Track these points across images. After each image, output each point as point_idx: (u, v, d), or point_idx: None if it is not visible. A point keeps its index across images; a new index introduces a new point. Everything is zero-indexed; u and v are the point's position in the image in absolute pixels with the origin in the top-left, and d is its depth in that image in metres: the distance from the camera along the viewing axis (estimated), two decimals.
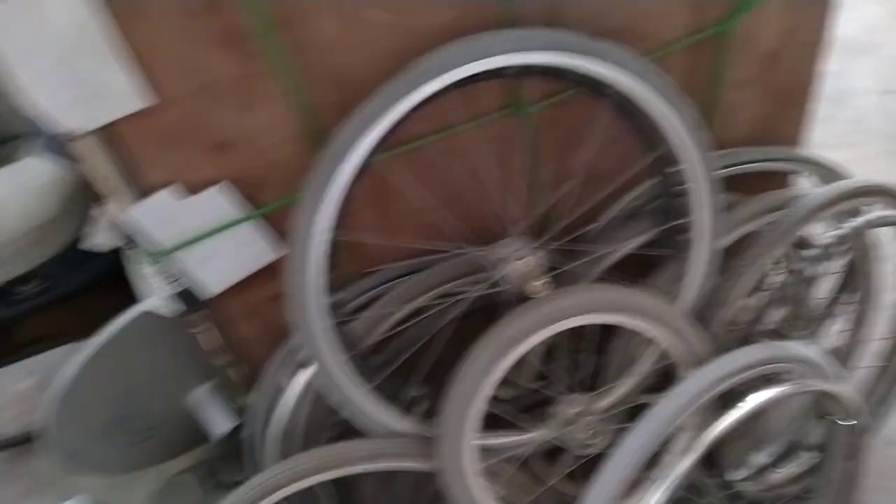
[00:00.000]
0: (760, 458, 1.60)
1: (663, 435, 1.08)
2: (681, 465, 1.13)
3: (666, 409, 1.10)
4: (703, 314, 1.26)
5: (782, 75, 1.33)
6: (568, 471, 1.30)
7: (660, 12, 1.14)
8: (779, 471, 1.60)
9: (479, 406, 1.09)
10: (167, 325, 1.24)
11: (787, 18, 1.25)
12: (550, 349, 1.25)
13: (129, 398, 1.39)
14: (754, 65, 1.29)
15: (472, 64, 0.93)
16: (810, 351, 1.22)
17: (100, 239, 1.48)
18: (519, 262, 1.09)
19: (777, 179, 1.43)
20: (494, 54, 0.93)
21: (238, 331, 1.21)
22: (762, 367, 1.15)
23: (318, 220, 0.96)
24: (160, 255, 1.05)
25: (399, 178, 1.11)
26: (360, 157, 0.94)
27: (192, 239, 1.05)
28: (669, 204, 1.19)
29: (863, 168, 1.48)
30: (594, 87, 1.04)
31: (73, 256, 1.78)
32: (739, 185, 1.33)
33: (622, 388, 1.27)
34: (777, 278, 1.32)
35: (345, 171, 0.94)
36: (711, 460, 1.40)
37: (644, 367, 1.26)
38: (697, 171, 1.12)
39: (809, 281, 1.38)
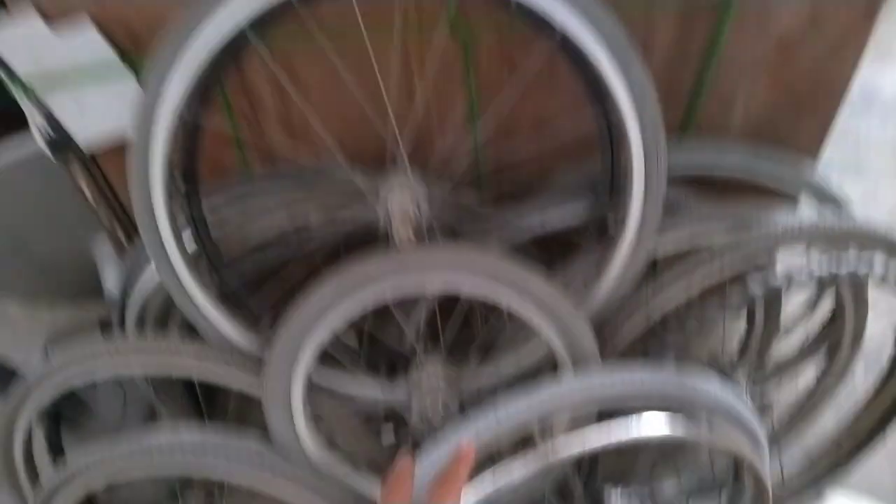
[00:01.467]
0: (661, 494, 1.45)
1: (503, 430, 0.96)
2: (517, 468, 1.01)
3: (515, 406, 0.97)
4: (612, 320, 1.10)
5: (799, 70, 1.09)
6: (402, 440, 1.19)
7: None
8: None
9: (316, 339, 0.99)
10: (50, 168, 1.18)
11: (814, 5, 1.01)
12: (438, 312, 1.13)
13: (26, 228, 1.36)
14: (764, 50, 1.06)
15: None
16: (727, 394, 1.04)
17: None
18: (397, 199, 0.95)
19: (760, 191, 1.20)
20: None
21: (118, 194, 1.14)
22: (650, 397, 0.99)
23: (165, 96, 0.85)
24: (27, 91, 0.98)
25: (301, 74, 0.98)
26: (222, 31, 0.81)
27: (58, 77, 0.96)
28: (604, 182, 1.01)
29: (874, 203, 1.22)
30: (538, 24, 0.86)
31: None
32: (711, 186, 1.13)
33: (489, 371, 1.13)
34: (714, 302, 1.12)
35: (202, 43, 0.82)
36: (588, 473, 1.27)
37: (521, 356, 1.12)
38: (639, 150, 0.94)
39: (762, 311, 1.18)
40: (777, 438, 1.43)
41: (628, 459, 1.41)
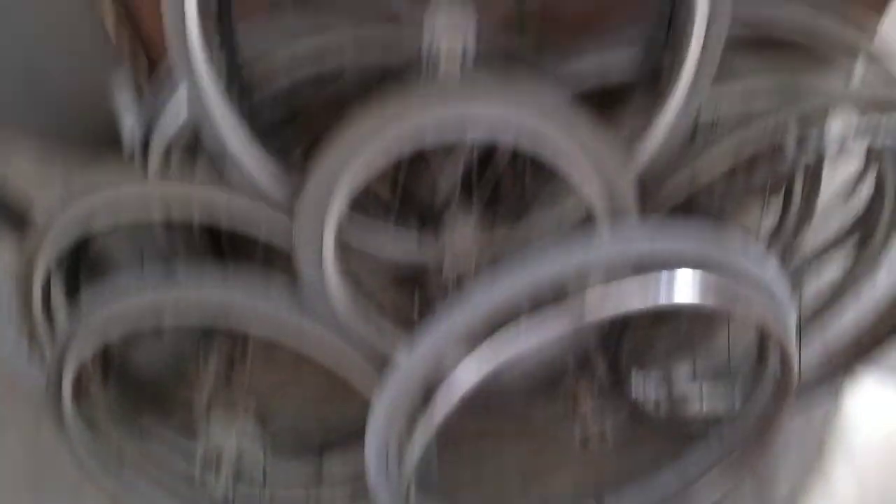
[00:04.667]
0: (677, 379, 1.45)
1: (534, 283, 0.93)
2: (545, 326, 0.98)
3: (547, 261, 0.94)
4: (656, 178, 1.06)
5: None
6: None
7: None
8: (693, 400, 1.45)
9: (351, 179, 0.95)
10: None
11: None
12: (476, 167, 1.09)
13: (42, 59, 1.28)
14: None
15: None
16: (761, 265, 1.01)
17: None
18: (444, 24, 0.89)
19: (818, 58, 1.14)
20: None
21: (141, 25, 1.08)
22: (682, 256, 0.96)
23: None
24: None
25: None
26: None
27: None
28: (661, 29, 0.96)
29: None
30: None
31: None
32: (769, 50, 1.07)
33: (523, 231, 1.10)
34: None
35: None
36: (613, 349, 1.26)
37: (558, 215, 1.08)
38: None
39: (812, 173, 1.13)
40: (800, 327, 1.42)
41: (648, 342, 1.41)
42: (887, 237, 1.34)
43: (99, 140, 1.36)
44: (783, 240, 1.37)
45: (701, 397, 1.45)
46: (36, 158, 1.51)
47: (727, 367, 1.41)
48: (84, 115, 1.37)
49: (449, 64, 0.90)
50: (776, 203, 1.37)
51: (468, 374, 0.96)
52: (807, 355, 1.47)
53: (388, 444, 1.05)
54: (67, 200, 1.04)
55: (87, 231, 1.07)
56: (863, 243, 1.36)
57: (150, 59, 1.15)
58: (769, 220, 1.38)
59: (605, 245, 0.97)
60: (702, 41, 0.93)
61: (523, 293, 0.94)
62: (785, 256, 1.38)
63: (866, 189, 1.32)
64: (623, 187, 0.99)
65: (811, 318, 1.46)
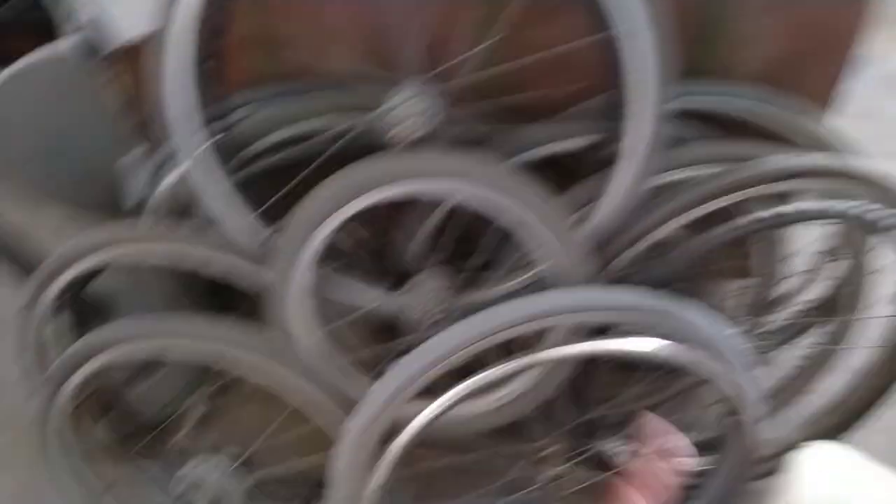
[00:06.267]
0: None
1: (483, 339, 0.99)
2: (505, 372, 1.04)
3: (496, 314, 1.00)
4: (609, 244, 1.13)
5: (811, 16, 1.10)
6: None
7: None
8: None
9: (322, 234, 1.04)
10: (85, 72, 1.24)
11: None
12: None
13: (55, 137, 1.42)
14: None
15: None
16: (708, 323, 1.06)
17: None
18: (407, 100, 0.99)
19: (766, 135, 1.21)
20: None
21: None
22: (629, 314, 1.01)
23: None
24: None
25: None
26: None
27: None
28: (610, 109, 1.04)
29: None
30: None
31: None
32: (718, 125, 1.15)
33: (487, 287, 1.17)
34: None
35: None
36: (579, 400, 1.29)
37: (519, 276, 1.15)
38: (646, 75, 0.97)
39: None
40: (771, 398, 1.44)
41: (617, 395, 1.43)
42: (853, 310, 1.37)
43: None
44: (751, 309, 1.41)
45: None
46: (57, 217, 1.66)
47: (696, 426, 1.43)
48: (98, 187, 1.52)
49: (410, 133, 0.99)
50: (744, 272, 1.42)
51: (422, 419, 1.02)
52: (779, 425, 1.48)
53: (353, 490, 1.10)
54: (68, 249, 1.15)
55: (81, 272, 1.16)
56: (831, 314, 1.39)
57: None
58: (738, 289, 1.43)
59: (557, 299, 1.03)
60: (649, 120, 1.01)
61: (479, 345, 1.00)
62: (754, 324, 1.42)
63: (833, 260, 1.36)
64: (575, 250, 1.06)
65: (784, 389, 1.49)
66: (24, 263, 1.41)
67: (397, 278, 1.22)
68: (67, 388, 1.21)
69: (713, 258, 1.20)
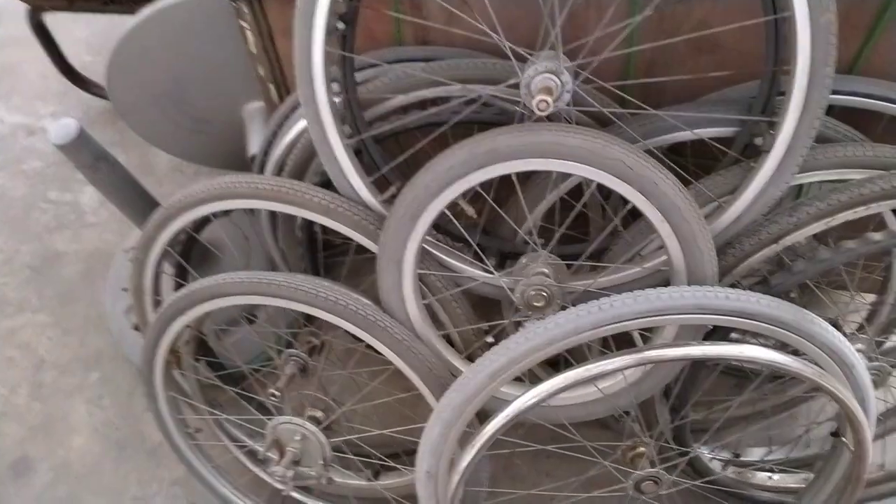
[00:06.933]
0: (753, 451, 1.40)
1: (599, 328, 0.94)
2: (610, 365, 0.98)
3: (611, 306, 0.94)
4: (738, 243, 1.05)
5: None
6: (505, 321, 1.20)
7: None
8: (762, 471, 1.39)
9: (436, 206, 1.02)
10: (220, 15, 1.25)
11: None
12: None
13: (182, 80, 1.45)
14: None
15: None
16: (842, 341, 0.98)
17: None
18: (543, 72, 0.94)
19: None
20: None
21: (277, 44, 1.20)
22: (756, 324, 0.94)
23: None
24: None
25: None
26: None
27: None
28: (761, 99, 0.97)
29: None
30: None
31: None
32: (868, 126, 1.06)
33: (599, 271, 1.12)
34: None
35: None
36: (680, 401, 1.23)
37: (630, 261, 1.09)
38: (806, 63, 0.89)
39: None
40: (885, 421, 1.34)
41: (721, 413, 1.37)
42: None
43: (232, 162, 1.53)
44: (875, 324, 1.31)
45: (770, 467, 1.39)
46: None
47: (803, 441, 1.35)
48: (221, 136, 1.54)
49: (543, 105, 0.94)
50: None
51: (523, 402, 0.98)
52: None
53: (439, 465, 1.08)
54: (187, 194, 1.17)
55: (195, 219, 1.18)
56: None
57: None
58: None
59: (677, 298, 0.96)
60: (800, 113, 0.93)
61: (588, 335, 0.96)
62: (875, 342, 1.32)
63: None
64: (702, 246, 0.99)
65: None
66: (138, 207, 1.45)
67: (504, 256, 1.19)
68: (172, 330, 1.24)
69: (847, 269, 1.11)
